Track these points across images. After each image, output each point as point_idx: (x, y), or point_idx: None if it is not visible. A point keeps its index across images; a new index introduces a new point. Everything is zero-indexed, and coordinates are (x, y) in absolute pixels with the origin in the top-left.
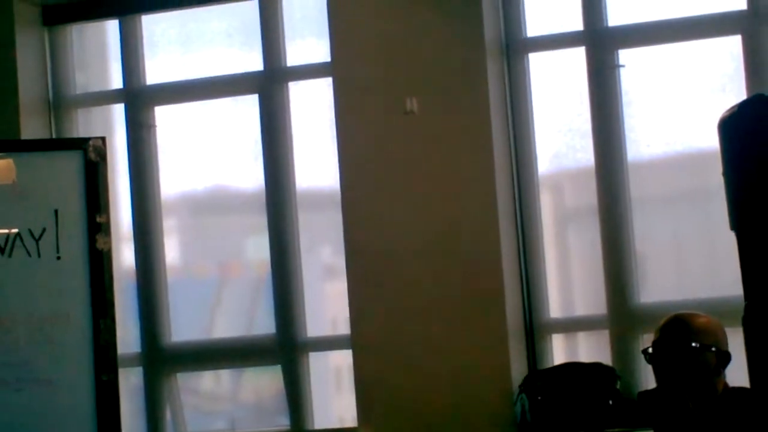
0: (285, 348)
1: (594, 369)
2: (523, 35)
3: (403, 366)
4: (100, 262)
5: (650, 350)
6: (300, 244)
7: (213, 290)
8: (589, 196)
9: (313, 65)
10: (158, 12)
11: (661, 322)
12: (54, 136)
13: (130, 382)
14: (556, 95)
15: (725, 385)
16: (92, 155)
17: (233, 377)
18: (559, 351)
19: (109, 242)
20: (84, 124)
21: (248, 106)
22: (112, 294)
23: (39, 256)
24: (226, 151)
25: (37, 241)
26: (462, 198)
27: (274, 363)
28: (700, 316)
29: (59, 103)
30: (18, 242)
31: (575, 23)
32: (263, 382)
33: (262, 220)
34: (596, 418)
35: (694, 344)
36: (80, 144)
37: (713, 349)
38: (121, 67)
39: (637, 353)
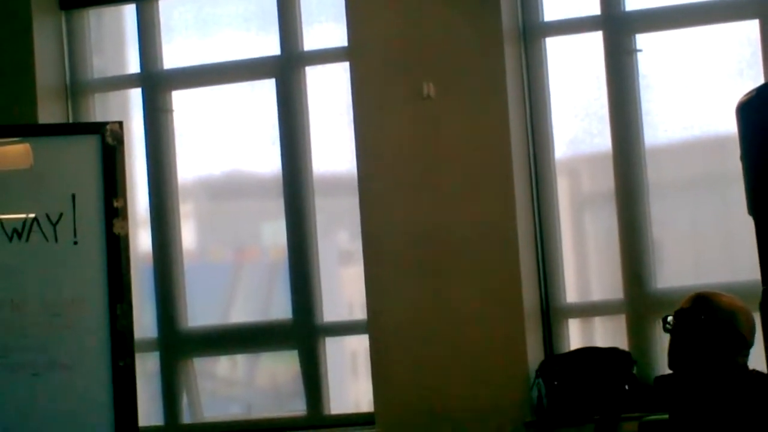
0: (301, 333)
1: (610, 354)
2: (540, 20)
3: (420, 351)
4: (117, 247)
5: (670, 318)
6: (317, 229)
7: (230, 275)
8: (606, 181)
9: (330, 50)
10: None
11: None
12: (71, 121)
13: (146, 367)
14: (574, 80)
15: (745, 367)
16: (109, 140)
17: (250, 362)
18: (576, 336)
19: (126, 227)
20: (101, 109)
21: (265, 90)
22: (129, 279)
23: (56, 240)
24: (243, 135)
25: (54, 225)
26: (479, 183)
27: (290, 348)
28: (724, 296)
29: (76, 87)
30: (35, 227)
31: (592, 7)
32: (280, 367)
33: (278, 205)
34: (612, 402)
35: (709, 319)
36: (98, 128)
37: (729, 328)
38: (138, 52)
39: (653, 338)
